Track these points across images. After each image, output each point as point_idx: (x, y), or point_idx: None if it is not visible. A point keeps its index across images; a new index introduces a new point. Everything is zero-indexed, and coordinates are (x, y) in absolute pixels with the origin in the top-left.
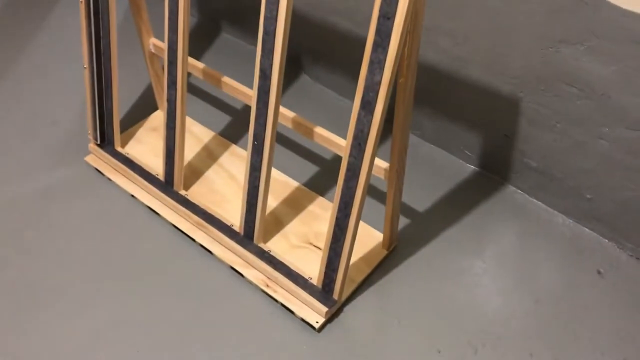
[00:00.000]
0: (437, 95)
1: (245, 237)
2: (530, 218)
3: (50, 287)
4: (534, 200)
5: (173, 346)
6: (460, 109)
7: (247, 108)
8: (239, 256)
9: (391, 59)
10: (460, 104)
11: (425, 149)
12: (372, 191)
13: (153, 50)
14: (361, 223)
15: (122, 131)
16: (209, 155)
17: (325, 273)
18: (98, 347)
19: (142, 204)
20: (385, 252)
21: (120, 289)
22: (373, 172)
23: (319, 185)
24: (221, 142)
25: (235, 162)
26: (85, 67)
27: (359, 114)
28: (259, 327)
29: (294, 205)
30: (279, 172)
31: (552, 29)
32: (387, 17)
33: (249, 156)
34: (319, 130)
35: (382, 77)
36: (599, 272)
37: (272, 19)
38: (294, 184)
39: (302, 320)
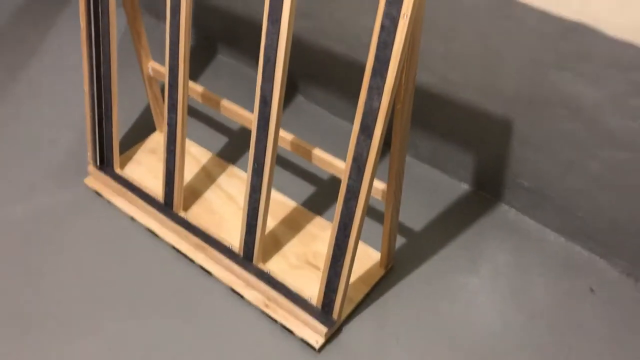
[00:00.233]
0: (431, 117)
1: (245, 258)
2: (524, 236)
3: (49, 309)
4: (527, 218)
5: None
6: (453, 130)
7: (244, 129)
8: (239, 277)
9: (389, 85)
10: (453, 125)
11: (420, 168)
12: (368, 210)
13: (152, 74)
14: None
15: (120, 153)
16: (207, 176)
17: (325, 293)
18: None
19: (142, 225)
20: (383, 271)
21: (120, 310)
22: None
23: (316, 205)
24: (219, 162)
25: (233, 182)
26: (85, 91)
27: (359, 138)
28: (259, 347)
29: (292, 225)
30: (276, 191)
31: (543, 54)
32: (385, 44)
33: (249, 178)
34: (318, 152)
35: (380, 102)
36: (591, 290)
37: (272, 48)
38: (292, 203)
39: (302, 340)
